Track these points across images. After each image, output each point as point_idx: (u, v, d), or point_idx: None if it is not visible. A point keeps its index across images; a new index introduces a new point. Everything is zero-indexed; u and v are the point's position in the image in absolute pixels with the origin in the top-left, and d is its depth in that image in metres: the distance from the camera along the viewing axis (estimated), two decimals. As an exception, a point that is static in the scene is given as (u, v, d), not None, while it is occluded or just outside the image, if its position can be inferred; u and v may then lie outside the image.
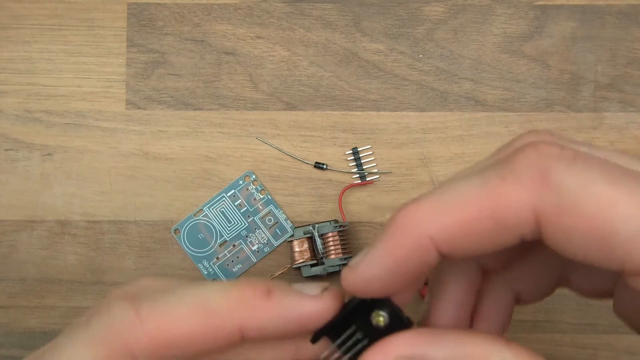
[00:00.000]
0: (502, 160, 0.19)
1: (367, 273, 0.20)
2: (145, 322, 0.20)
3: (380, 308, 0.21)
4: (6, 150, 0.39)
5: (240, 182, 0.38)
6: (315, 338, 0.21)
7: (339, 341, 0.21)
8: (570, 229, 0.18)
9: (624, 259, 0.18)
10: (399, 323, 0.20)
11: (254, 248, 0.38)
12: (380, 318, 0.21)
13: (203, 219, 0.38)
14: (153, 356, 0.20)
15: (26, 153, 0.39)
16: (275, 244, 0.38)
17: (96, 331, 0.20)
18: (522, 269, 0.24)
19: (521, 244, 0.21)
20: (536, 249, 0.24)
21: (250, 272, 0.38)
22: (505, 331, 0.24)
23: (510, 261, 0.24)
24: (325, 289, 0.22)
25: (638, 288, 0.18)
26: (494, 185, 0.18)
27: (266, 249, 0.38)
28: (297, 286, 0.22)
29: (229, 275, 0.38)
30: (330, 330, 0.21)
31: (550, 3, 0.39)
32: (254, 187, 0.38)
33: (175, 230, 0.38)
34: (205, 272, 0.38)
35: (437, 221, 0.19)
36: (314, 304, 0.21)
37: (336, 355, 0.21)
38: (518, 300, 0.24)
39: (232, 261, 0.38)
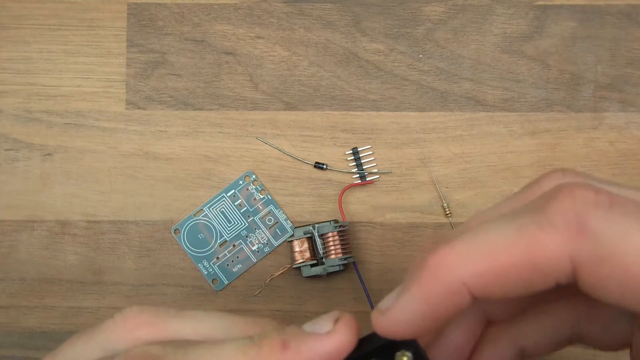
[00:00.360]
0: (536, 205, 0.19)
1: (399, 318, 0.20)
2: None
3: (407, 348, 0.21)
4: (6, 150, 0.39)
5: (240, 182, 0.38)
6: None
7: None
8: (607, 277, 0.18)
9: None
10: None
11: (254, 248, 0.38)
12: (405, 358, 0.21)
13: (203, 219, 0.38)
14: None
15: (26, 153, 0.39)
16: (275, 244, 0.38)
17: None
18: (530, 323, 0.24)
19: (531, 299, 0.20)
20: (547, 304, 0.23)
21: (251, 271, 0.38)
22: None
23: (518, 314, 0.24)
24: (336, 320, 0.21)
25: None
26: (530, 233, 0.18)
27: (266, 249, 0.38)
28: (309, 326, 0.21)
29: (229, 276, 0.38)
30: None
31: (550, 3, 0.39)
32: (254, 187, 0.38)
33: (175, 230, 0.38)
34: (205, 272, 0.38)
35: (472, 267, 0.19)
36: (330, 342, 0.20)
37: None
38: (523, 355, 0.24)
39: (232, 261, 0.38)
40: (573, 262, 0.18)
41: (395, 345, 0.21)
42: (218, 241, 0.38)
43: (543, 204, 0.19)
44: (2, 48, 0.39)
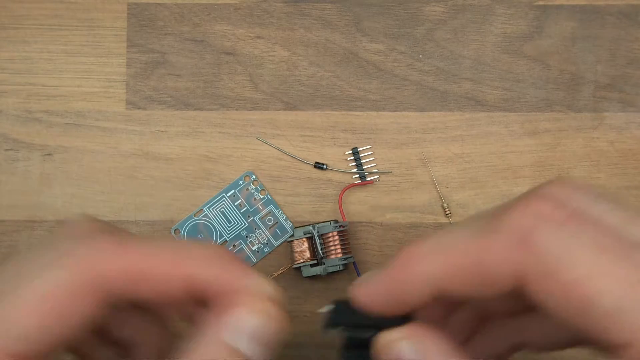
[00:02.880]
0: (498, 214, 0.20)
1: (372, 291, 0.22)
2: (128, 252, 0.21)
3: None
4: (6, 150, 0.39)
5: (240, 182, 0.38)
6: (334, 323, 0.23)
7: (351, 333, 0.23)
8: (550, 293, 0.18)
9: (600, 333, 0.18)
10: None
11: (254, 248, 0.38)
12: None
13: (203, 219, 0.38)
14: (125, 288, 0.21)
15: (26, 153, 0.39)
16: (275, 244, 0.38)
17: (72, 254, 0.20)
18: (530, 321, 0.25)
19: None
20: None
21: (250, 272, 0.38)
22: None
23: (518, 310, 0.25)
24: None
25: None
26: (480, 239, 0.20)
27: (266, 249, 0.38)
28: None
29: None
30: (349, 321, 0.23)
31: (550, 3, 0.39)
32: (254, 187, 0.38)
33: (175, 230, 0.38)
34: None
35: (430, 264, 0.21)
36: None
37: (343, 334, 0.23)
38: (525, 347, 0.25)
39: None
40: (516, 272, 0.19)
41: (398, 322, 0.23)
42: (218, 241, 0.38)
43: (502, 212, 0.20)
44: (2, 48, 0.39)
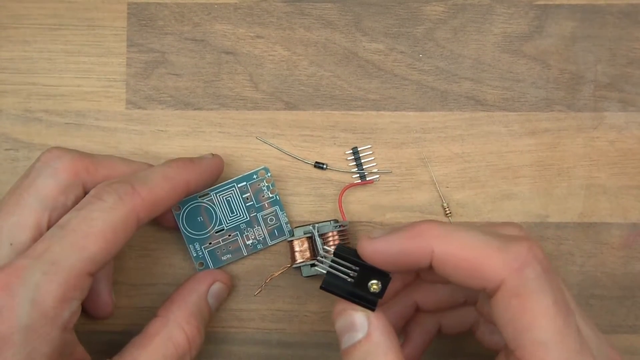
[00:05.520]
0: (505, 239, 0.27)
1: (382, 247, 0.28)
2: (140, 192, 0.30)
3: (383, 281, 0.28)
4: (6, 150, 0.39)
5: (255, 176, 0.38)
6: (335, 252, 0.29)
7: (339, 262, 0.29)
8: (504, 306, 0.26)
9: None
10: (374, 301, 0.28)
11: (248, 242, 0.38)
12: (375, 286, 0.28)
13: (207, 203, 0.38)
14: (147, 215, 0.31)
15: (26, 153, 0.39)
16: (270, 243, 0.38)
17: (113, 203, 0.29)
18: (449, 313, 0.34)
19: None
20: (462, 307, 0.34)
21: (251, 271, 0.38)
22: (425, 348, 0.34)
23: (443, 308, 0.34)
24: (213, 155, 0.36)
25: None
26: (490, 248, 0.26)
27: (259, 246, 0.38)
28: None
29: (216, 262, 0.38)
30: (340, 254, 0.29)
31: (550, 3, 0.39)
32: (266, 184, 0.38)
33: (175, 207, 0.37)
34: (194, 254, 0.38)
35: (441, 244, 0.27)
36: (218, 162, 0.36)
37: (327, 258, 0.29)
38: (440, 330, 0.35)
39: (224, 250, 0.38)
40: (497, 280, 0.26)
41: (380, 273, 0.28)
42: (215, 228, 0.38)
43: (507, 239, 0.27)
44: (2, 47, 0.39)
